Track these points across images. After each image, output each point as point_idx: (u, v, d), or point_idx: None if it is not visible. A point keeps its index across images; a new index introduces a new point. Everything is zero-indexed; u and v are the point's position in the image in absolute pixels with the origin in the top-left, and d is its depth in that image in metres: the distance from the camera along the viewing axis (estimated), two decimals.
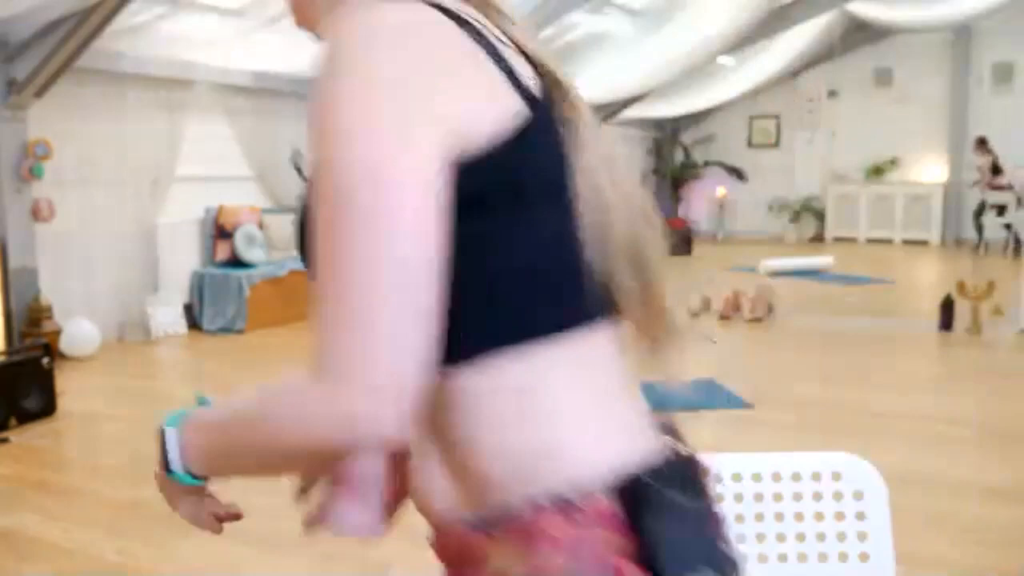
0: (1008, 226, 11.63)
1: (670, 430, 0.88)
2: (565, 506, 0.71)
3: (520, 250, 0.74)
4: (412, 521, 2.78)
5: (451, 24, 0.73)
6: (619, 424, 0.80)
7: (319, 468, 0.90)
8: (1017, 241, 11.52)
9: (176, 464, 0.85)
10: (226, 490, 0.94)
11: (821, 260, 10.64)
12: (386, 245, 0.66)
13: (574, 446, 0.74)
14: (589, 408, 0.77)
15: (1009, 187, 11.80)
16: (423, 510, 0.81)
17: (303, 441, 0.69)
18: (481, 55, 0.73)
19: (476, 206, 0.71)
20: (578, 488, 0.71)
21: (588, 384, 0.78)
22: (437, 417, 0.75)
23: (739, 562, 0.83)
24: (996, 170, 11.95)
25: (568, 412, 0.75)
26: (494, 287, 0.73)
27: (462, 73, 0.72)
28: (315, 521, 0.88)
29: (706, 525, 0.79)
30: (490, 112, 0.72)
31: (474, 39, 0.74)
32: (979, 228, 12.10)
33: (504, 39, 0.79)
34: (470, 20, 0.76)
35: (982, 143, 12.09)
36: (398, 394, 0.66)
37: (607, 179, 0.79)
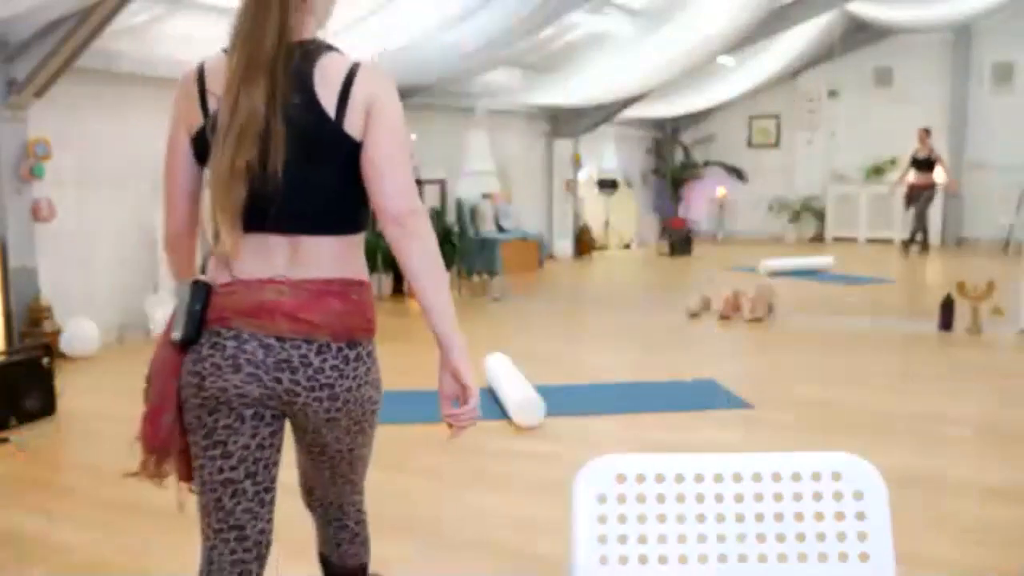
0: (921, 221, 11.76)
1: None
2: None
3: None
4: (413, 521, 2.76)
5: (192, 74, 1.81)
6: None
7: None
8: (924, 237, 11.78)
9: None
10: None
11: (821, 260, 10.65)
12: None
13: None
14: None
15: (927, 187, 11.77)
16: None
17: None
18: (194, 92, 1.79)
19: None
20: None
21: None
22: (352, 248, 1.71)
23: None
24: (926, 165, 11.81)
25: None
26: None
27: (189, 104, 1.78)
28: None
29: None
30: (194, 120, 1.73)
31: (198, 83, 1.79)
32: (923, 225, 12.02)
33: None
34: (205, 70, 1.81)
35: (927, 134, 11.95)
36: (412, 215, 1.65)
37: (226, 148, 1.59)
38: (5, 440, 3.97)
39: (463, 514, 3.16)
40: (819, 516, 1.36)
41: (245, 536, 1.83)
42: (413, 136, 6.73)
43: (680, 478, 1.36)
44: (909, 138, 13.53)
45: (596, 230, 12.65)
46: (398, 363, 5.76)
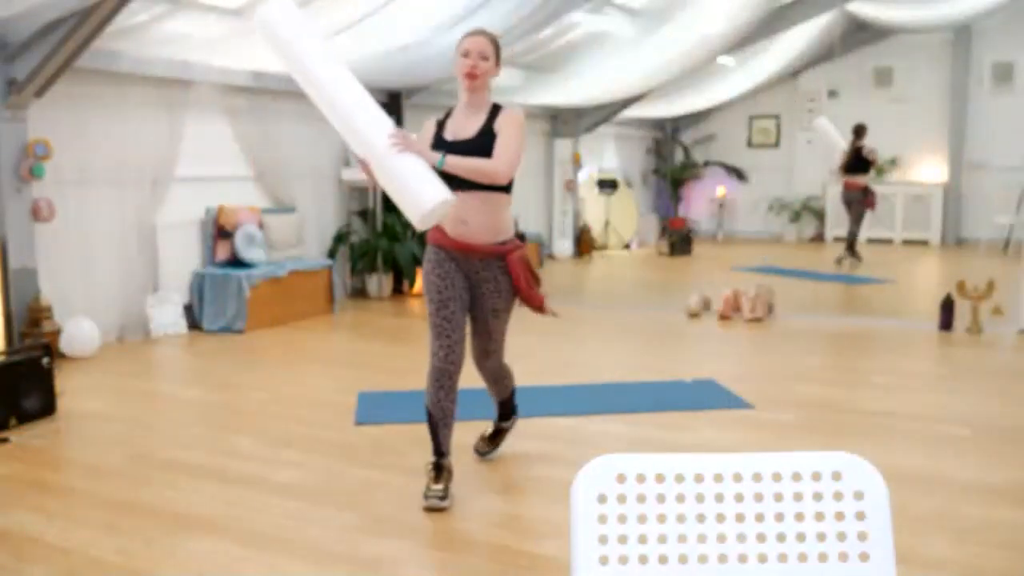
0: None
1: None
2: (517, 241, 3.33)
3: None
4: (413, 522, 2.77)
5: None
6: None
7: (483, 179, 3.13)
8: (852, 245, 10.61)
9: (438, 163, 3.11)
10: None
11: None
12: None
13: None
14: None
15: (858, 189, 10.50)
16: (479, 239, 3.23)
17: (485, 169, 3.13)
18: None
19: None
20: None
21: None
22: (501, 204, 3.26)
23: None
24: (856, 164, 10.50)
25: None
26: None
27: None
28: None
29: None
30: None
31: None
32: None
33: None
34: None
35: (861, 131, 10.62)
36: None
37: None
38: (5, 440, 3.97)
39: (463, 514, 3.16)
40: (819, 516, 1.36)
41: None
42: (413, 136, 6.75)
43: (680, 478, 1.36)
44: (909, 138, 13.57)
45: (596, 230, 12.66)
46: (397, 364, 5.77)
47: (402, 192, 3.05)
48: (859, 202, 10.59)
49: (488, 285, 3.27)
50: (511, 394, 3.69)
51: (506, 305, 3.33)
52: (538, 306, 3.33)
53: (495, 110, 3.22)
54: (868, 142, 10.61)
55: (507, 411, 3.72)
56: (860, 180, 10.56)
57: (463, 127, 3.21)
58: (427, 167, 3.05)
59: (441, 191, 3.02)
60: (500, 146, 3.14)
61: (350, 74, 3.14)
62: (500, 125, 3.16)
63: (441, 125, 3.29)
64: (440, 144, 3.21)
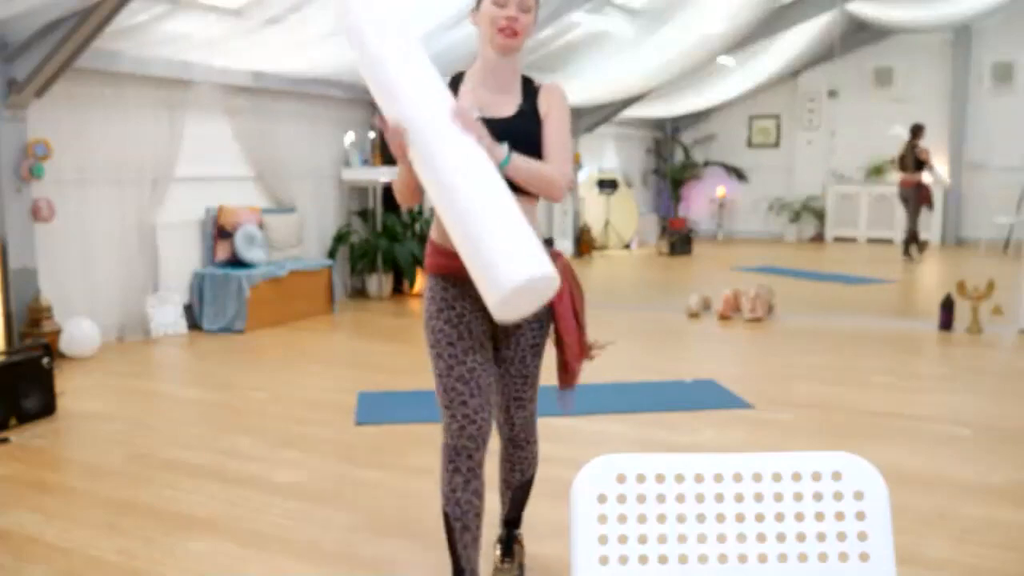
0: None
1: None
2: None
3: None
4: (413, 522, 2.77)
5: None
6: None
7: (539, 188, 2.20)
8: (914, 238, 11.32)
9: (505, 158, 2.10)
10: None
11: None
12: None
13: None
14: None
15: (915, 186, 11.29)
16: None
17: (548, 176, 2.18)
18: None
19: None
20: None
21: None
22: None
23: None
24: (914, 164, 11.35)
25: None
26: None
27: None
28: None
29: None
30: None
31: None
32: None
33: None
34: None
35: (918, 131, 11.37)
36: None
37: None
38: (5, 440, 3.97)
39: None
40: (819, 516, 1.36)
41: None
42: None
43: (680, 478, 1.36)
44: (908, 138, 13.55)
45: (596, 230, 12.65)
46: (398, 363, 5.77)
47: (477, 244, 1.92)
48: (915, 198, 11.36)
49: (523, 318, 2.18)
50: (532, 478, 2.64)
51: (545, 336, 2.43)
52: (579, 358, 2.39)
53: (527, 84, 2.34)
54: (899, 138, 11.62)
55: (523, 502, 2.70)
56: (914, 177, 11.31)
57: (493, 102, 2.26)
58: (507, 193, 2.00)
59: (542, 262, 1.92)
60: (555, 143, 2.23)
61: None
62: (547, 106, 2.28)
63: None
64: None
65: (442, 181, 1.96)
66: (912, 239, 11.38)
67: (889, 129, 12.44)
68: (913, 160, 11.23)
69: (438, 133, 1.97)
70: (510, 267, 1.85)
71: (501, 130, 2.13)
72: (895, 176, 13.57)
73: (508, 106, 2.26)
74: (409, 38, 2.10)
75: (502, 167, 2.05)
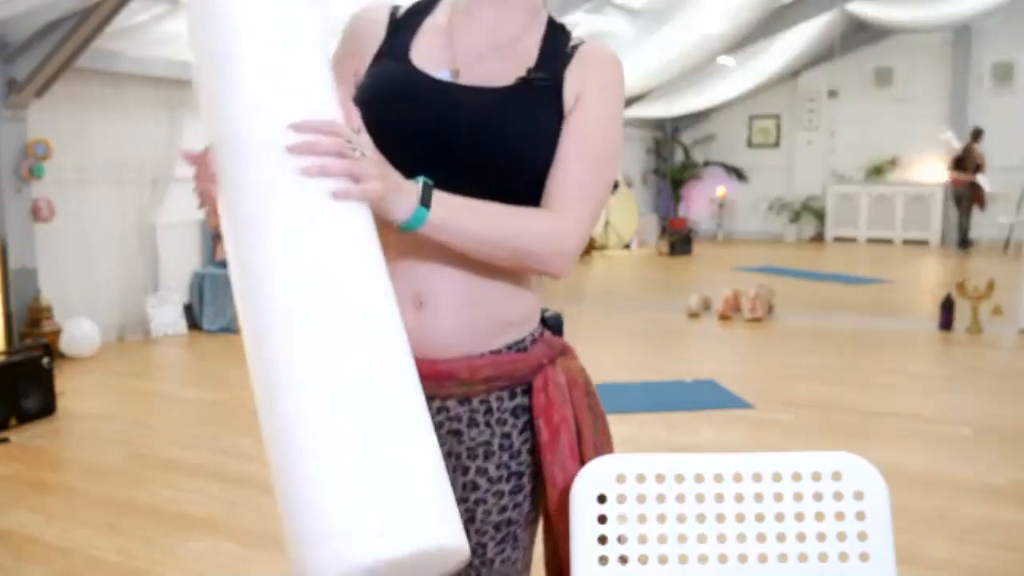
0: None
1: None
2: None
3: None
4: None
5: None
6: None
7: (509, 264, 1.19)
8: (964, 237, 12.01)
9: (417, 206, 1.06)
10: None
11: None
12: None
13: None
14: None
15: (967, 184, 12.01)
16: None
17: (527, 245, 1.16)
18: None
19: None
20: None
21: None
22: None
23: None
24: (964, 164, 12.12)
25: None
26: None
27: None
28: None
29: None
30: None
31: None
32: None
33: None
34: None
35: (978, 134, 12.32)
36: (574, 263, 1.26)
37: None
38: (5, 440, 3.97)
39: None
40: (819, 516, 1.36)
41: None
42: None
43: (680, 478, 1.36)
44: (909, 138, 13.56)
45: (596, 230, 12.66)
46: None
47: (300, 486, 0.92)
48: (969, 197, 12.00)
49: (485, 461, 1.30)
50: None
51: (532, 502, 1.39)
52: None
53: (554, 35, 1.24)
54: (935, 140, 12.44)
55: None
56: (969, 177, 11.93)
57: (479, 58, 1.22)
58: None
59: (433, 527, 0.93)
60: (576, 163, 1.20)
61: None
62: (583, 85, 1.20)
63: (402, 28, 1.26)
64: (404, 81, 1.19)
65: (246, 323, 0.99)
66: (964, 238, 12.03)
67: (941, 133, 12.83)
68: (967, 162, 11.90)
69: (259, 173, 0.96)
70: (360, 540, 0.89)
71: (477, 112, 1.16)
72: (895, 176, 13.61)
73: (506, 68, 1.20)
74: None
75: (409, 229, 1.06)
